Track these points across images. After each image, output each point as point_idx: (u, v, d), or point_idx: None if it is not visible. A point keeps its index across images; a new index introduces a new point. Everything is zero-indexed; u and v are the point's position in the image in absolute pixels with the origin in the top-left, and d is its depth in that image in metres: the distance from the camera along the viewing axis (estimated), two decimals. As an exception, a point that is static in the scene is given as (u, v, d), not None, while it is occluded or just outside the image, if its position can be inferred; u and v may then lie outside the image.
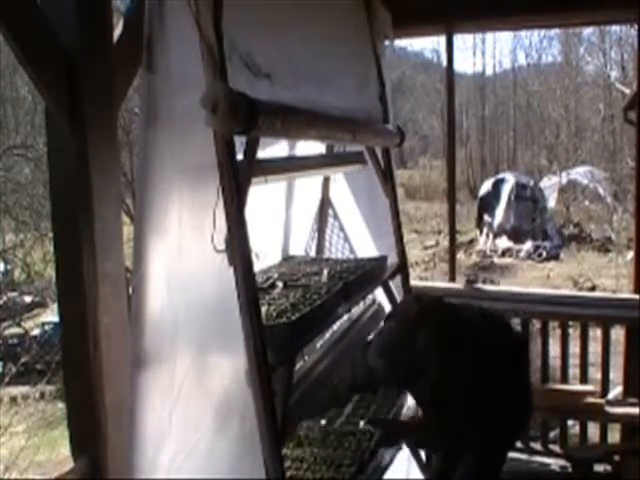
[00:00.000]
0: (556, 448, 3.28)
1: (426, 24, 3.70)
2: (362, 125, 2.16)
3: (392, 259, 2.53)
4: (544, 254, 15.06)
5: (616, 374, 3.56)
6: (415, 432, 2.32)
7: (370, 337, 2.28)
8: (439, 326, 2.05)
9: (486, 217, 16.71)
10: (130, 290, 1.65)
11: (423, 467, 2.62)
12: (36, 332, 9.72)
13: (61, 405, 7.42)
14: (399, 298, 2.59)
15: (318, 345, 2.32)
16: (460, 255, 14.86)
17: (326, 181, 2.84)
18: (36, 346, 8.80)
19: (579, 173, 16.71)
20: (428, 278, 12.69)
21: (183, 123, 1.42)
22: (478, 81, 23.67)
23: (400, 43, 22.94)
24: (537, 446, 3.36)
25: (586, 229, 16.53)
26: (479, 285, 7.07)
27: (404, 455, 2.47)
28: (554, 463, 3.24)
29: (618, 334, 3.53)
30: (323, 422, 2.51)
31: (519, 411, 2.12)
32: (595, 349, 3.42)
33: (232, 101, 1.30)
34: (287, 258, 2.61)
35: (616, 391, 3.52)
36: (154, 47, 1.41)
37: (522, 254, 15.39)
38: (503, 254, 15.86)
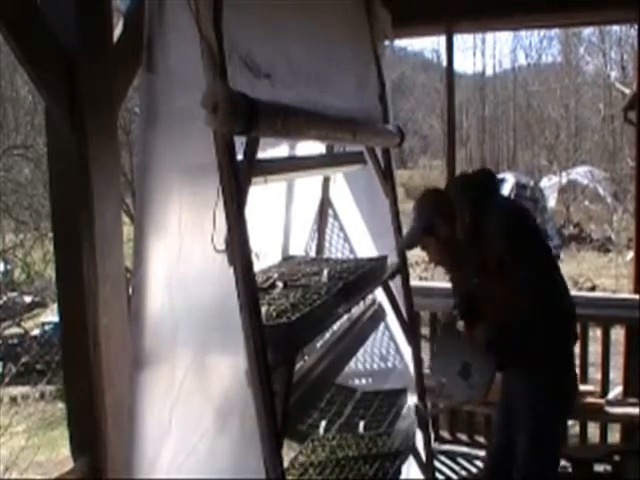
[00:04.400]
0: (556, 448, 3.26)
1: (426, 24, 3.70)
2: (362, 125, 2.16)
3: (392, 259, 2.54)
4: (544, 254, 15.02)
5: (616, 374, 3.56)
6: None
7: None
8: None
9: (486, 217, 16.66)
10: (130, 290, 1.65)
11: (423, 467, 2.62)
12: (36, 332, 9.73)
13: (61, 405, 7.42)
14: (399, 298, 2.60)
15: (318, 345, 2.32)
16: (460, 255, 14.76)
17: (326, 181, 2.84)
18: (36, 346, 8.80)
19: (579, 173, 16.67)
20: (428, 278, 12.65)
21: (183, 123, 1.41)
22: (478, 81, 23.59)
23: (400, 43, 22.99)
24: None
25: (586, 229, 16.50)
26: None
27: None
28: (554, 463, 3.23)
29: (618, 334, 3.53)
30: (323, 423, 2.51)
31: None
32: (595, 349, 3.42)
33: (232, 101, 1.30)
34: (287, 258, 2.61)
35: (616, 391, 3.52)
36: (154, 47, 1.41)
37: (522, 254, 15.33)
38: (503, 254, 15.77)
